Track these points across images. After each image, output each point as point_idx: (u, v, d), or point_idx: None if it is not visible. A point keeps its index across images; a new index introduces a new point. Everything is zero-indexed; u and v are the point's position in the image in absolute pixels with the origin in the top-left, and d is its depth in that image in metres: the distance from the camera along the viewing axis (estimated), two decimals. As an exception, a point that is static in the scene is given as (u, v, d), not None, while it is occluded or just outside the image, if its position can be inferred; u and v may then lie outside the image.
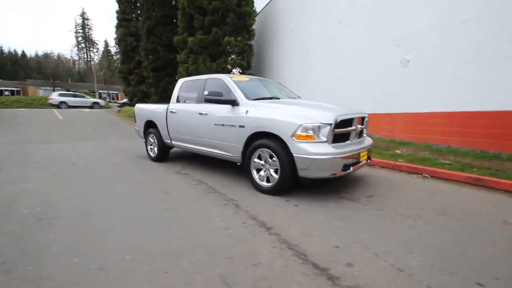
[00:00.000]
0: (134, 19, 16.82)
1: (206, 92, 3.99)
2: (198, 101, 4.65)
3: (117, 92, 59.16)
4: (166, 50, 14.34)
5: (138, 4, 16.90)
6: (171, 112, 5.12)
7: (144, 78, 16.39)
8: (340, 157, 3.17)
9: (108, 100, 47.64)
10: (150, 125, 5.93)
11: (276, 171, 3.46)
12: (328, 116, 3.23)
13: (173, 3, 14.82)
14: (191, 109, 4.70)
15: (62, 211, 2.94)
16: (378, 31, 7.52)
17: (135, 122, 6.43)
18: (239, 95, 3.95)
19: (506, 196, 3.39)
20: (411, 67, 6.65)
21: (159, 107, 5.62)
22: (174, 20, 14.62)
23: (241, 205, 3.17)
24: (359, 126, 3.70)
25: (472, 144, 5.44)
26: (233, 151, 4.01)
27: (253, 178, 3.71)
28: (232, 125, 3.90)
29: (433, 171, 4.35)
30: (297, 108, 3.48)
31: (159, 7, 14.05)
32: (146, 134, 6.00)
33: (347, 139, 3.53)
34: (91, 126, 13.63)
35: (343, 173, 3.27)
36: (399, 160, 5.09)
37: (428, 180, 4.21)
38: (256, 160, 3.66)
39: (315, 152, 3.10)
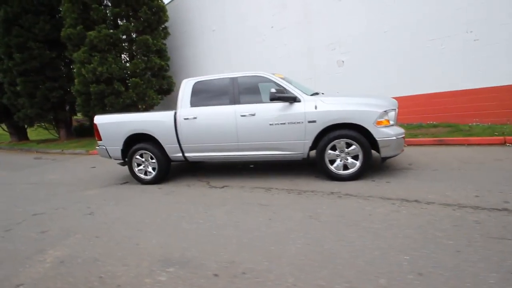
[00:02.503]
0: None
1: (273, 90, 3.68)
2: (233, 101, 4.15)
3: None
4: (44, 47, 10.64)
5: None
6: (186, 119, 4.28)
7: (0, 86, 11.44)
8: (403, 137, 3.88)
9: None
10: (136, 140, 4.63)
11: (354, 158, 3.77)
12: (392, 103, 3.87)
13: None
14: (224, 112, 4.14)
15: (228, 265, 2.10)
16: (312, 36, 8.85)
17: (100, 139, 4.80)
18: (297, 92, 3.92)
19: (466, 147, 5.18)
20: (346, 66, 8.34)
21: (158, 115, 4.53)
22: (42, 8, 11.05)
23: (353, 193, 3.28)
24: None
25: (402, 120, 7.61)
26: (297, 148, 3.95)
27: (330, 169, 3.84)
28: (298, 122, 3.83)
29: (407, 141, 5.88)
30: (362, 99, 3.90)
31: (22, -12, 10.21)
32: (129, 153, 4.63)
33: (389, 122, 4.30)
34: None
35: (404, 149, 4.01)
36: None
37: (409, 147, 5.67)
38: (330, 151, 3.82)
39: (394, 134, 3.65)
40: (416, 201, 2.91)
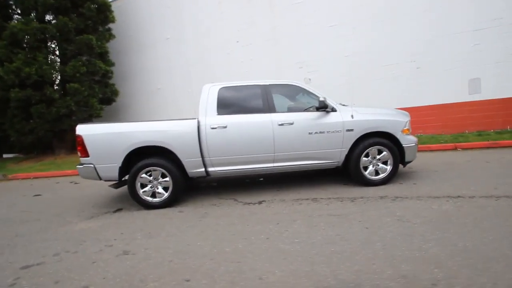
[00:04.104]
0: None
1: (322, 98, 3.61)
2: (268, 110, 3.90)
3: None
4: None
5: None
6: (213, 128, 3.77)
7: None
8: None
9: None
10: (140, 155, 3.77)
11: (384, 164, 4.07)
12: (406, 113, 4.38)
13: None
14: (260, 121, 3.85)
15: None
16: (280, 54, 9.31)
17: (85, 155, 3.70)
18: (331, 102, 4.00)
19: (432, 152, 6.28)
20: (313, 84, 9.01)
21: (176, 124, 3.84)
22: None
23: (401, 196, 3.51)
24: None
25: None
26: (334, 157, 3.99)
27: (364, 175, 4.01)
28: (337, 131, 3.90)
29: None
30: (384, 110, 4.29)
31: None
32: (132, 171, 3.72)
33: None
34: None
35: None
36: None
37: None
38: (364, 158, 4.01)
39: (414, 140, 4.15)
40: (459, 196, 3.32)
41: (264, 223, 2.97)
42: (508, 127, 7.20)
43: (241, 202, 3.84)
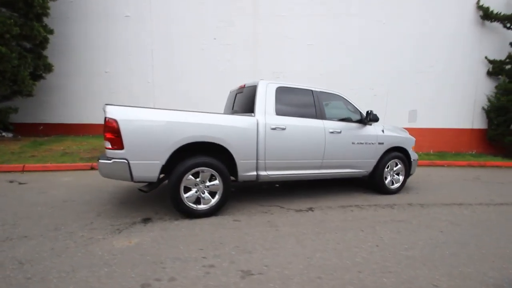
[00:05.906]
0: None
1: (374, 112, 3.83)
2: (320, 116, 3.90)
3: None
4: None
5: None
6: (273, 129, 3.52)
7: None
8: (414, 158, 5.24)
9: None
10: (188, 153, 3.16)
11: (398, 174, 4.67)
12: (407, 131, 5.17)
13: None
14: (315, 126, 3.83)
15: None
16: (259, 61, 9.35)
17: (119, 147, 2.84)
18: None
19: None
20: (287, 94, 9.42)
21: (235, 119, 3.42)
22: None
23: (423, 203, 4.12)
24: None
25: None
26: (367, 167, 4.34)
27: (386, 185, 4.50)
28: (372, 143, 4.27)
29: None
30: (398, 128, 4.93)
31: None
32: (177, 171, 3.07)
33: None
34: None
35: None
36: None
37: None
38: (386, 169, 4.51)
39: (416, 156, 4.95)
40: (461, 204, 4.15)
41: (349, 231, 2.95)
42: (431, 150, 9.38)
43: (289, 209, 3.66)
